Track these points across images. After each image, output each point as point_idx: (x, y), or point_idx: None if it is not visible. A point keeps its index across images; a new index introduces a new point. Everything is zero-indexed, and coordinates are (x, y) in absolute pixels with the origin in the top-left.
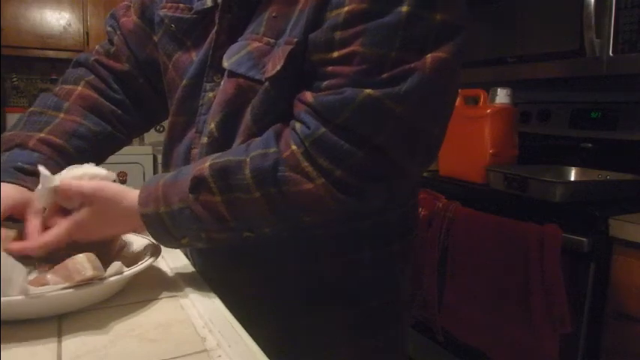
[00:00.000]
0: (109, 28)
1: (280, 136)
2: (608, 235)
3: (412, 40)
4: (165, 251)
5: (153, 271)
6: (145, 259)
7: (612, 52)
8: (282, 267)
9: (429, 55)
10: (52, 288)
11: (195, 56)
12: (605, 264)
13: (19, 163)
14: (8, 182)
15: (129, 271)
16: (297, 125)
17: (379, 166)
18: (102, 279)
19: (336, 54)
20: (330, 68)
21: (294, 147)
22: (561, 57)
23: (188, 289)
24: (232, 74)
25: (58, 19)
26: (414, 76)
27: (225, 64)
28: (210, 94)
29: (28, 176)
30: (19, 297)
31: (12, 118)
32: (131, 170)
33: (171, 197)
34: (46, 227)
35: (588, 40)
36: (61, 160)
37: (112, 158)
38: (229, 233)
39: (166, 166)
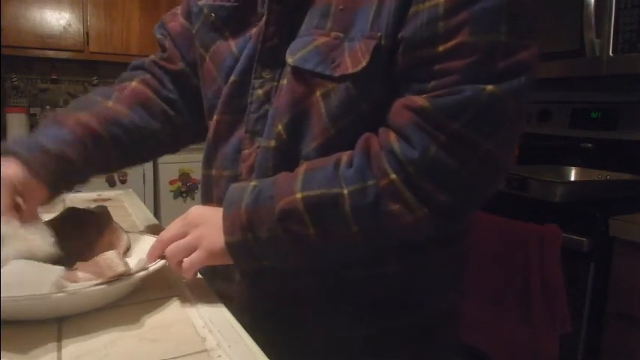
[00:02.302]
0: (159, 36)
1: (370, 157)
2: (608, 235)
3: (515, 23)
4: None
5: (153, 272)
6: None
7: (612, 52)
8: (342, 277)
9: (531, 43)
10: (85, 284)
11: (235, 47)
12: (605, 264)
13: (43, 143)
14: (24, 156)
15: (153, 266)
16: (396, 146)
17: (486, 178)
18: (130, 274)
19: (441, 48)
20: (437, 66)
21: (393, 176)
22: (561, 57)
23: (188, 289)
24: (298, 71)
25: (58, 19)
26: (526, 67)
27: (290, 60)
28: (260, 92)
29: (50, 157)
30: (57, 294)
31: (12, 118)
32: (131, 170)
33: (258, 225)
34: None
35: (588, 40)
36: (92, 144)
37: None
38: (316, 259)
39: (209, 168)
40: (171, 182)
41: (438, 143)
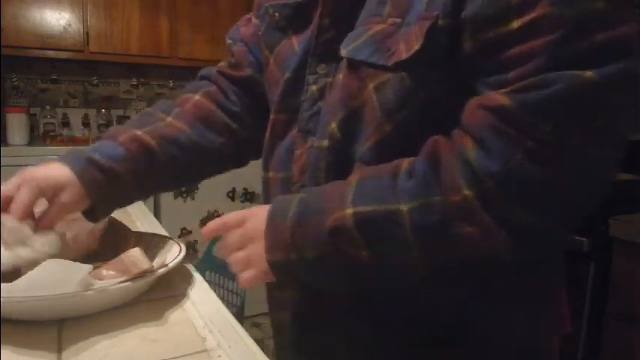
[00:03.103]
0: (229, 41)
1: (439, 167)
2: (608, 235)
3: None
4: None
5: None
6: (173, 255)
7: None
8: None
9: (631, 17)
10: (111, 282)
11: (297, 45)
12: (605, 264)
13: (94, 156)
14: (68, 163)
15: (171, 263)
16: (472, 154)
17: (585, 195)
18: (153, 271)
19: (516, 24)
20: (513, 49)
21: (466, 192)
22: None
23: (188, 290)
24: (352, 63)
25: (58, 19)
26: (630, 45)
27: (344, 52)
28: (314, 88)
29: (97, 170)
30: (85, 292)
31: (12, 118)
32: None
33: (303, 244)
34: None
35: None
36: (145, 161)
37: None
38: (370, 284)
39: (266, 170)
40: None
41: (524, 151)
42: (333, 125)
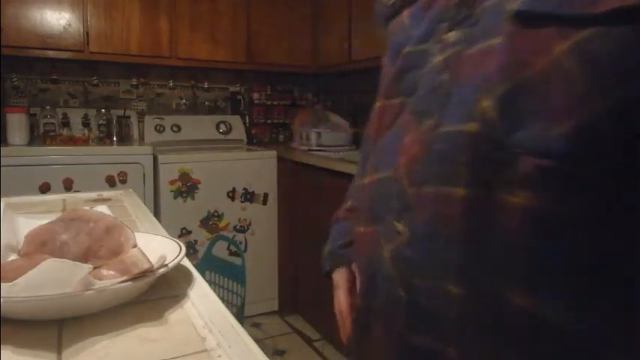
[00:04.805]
0: None
1: None
2: None
3: None
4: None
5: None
6: (173, 255)
7: None
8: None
9: None
10: (112, 281)
11: (407, 18)
12: None
13: (335, 247)
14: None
15: (171, 263)
16: None
17: None
18: (153, 271)
19: None
20: None
21: None
22: None
23: (188, 290)
24: (527, 19)
25: (58, 19)
26: None
27: (513, 5)
28: (439, 58)
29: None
30: (87, 292)
31: (12, 118)
32: (131, 170)
33: None
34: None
35: None
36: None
37: (112, 158)
38: None
39: (364, 167)
40: (172, 182)
41: None
42: (486, 103)
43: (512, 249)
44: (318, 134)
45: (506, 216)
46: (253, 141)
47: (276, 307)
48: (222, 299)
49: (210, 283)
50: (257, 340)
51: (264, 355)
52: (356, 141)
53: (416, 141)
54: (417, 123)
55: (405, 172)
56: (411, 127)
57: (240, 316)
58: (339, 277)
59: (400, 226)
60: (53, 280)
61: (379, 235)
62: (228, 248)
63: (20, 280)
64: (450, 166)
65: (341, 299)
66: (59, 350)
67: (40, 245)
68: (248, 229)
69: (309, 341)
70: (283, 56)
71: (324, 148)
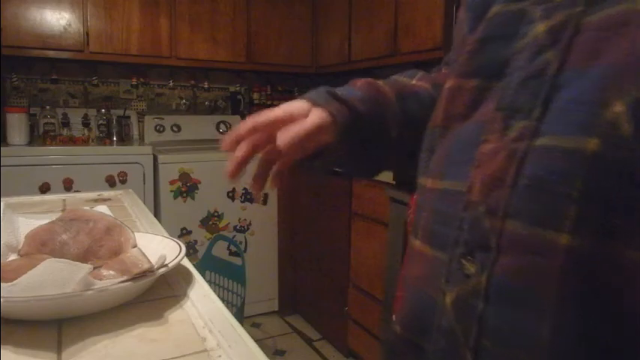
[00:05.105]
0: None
1: None
2: None
3: None
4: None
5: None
6: (173, 255)
7: None
8: None
9: None
10: (112, 281)
11: None
12: None
13: (335, 90)
14: (308, 99)
15: (171, 263)
16: None
17: None
18: (153, 271)
19: None
20: None
21: None
22: None
23: (188, 290)
24: None
25: (58, 19)
26: None
27: None
28: (541, 27)
29: (335, 100)
30: (86, 292)
31: (12, 118)
32: (131, 170)
33: None
34: None
35: None
36: (379, 106)
37: (112, 158)
38: None
39: (425, 167)
40: (172, 182)
41: None
42: (617, 109)
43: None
44: None
45: (637, 283)
46: None
47: (276, 307)
48: (222, 299)
49: (210, 283)
50: (257, 340)
51: (264, 355)
52: None
53: (499, 151)
54: (504, 125)
55: (482, 195)
56: (494, 128)
57: (240, 316)
58: (316, 114)
59: (471, 268)
60: (53, 280)
61: (440, 265)
62: (228, 248)
63: (20, 280)
64: (549, 198)
65: (306, 124)
66: (59, 350)
67: (40, 245)
68: (248, 229)
69: (309, 341)
70: (283, 56)
71: None
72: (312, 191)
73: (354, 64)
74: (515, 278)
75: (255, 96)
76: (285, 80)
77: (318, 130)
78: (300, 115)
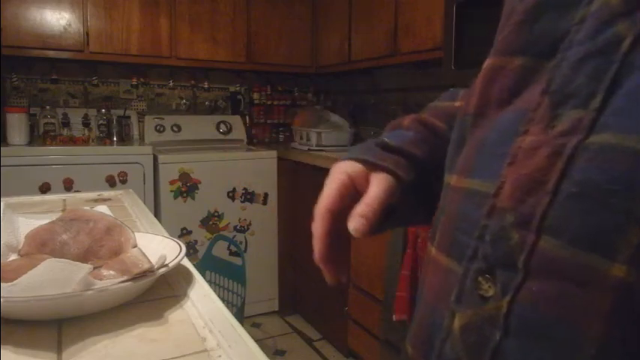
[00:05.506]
0: None
1: None
2: None
3: None
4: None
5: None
6: (174, 255)
7: None
8: None
9: None
10: (113, 281)
11: None
12: None
13: (385, 139)
14: (359, 159)
15: (171, 263)
16: None
17: None
18: (153, 271)
19: None
20: None
21: None
22: None
23: (188, 290)
24: None
25: (58, 19)
26: None
27: None
28: None
29: (387, 153)
30: (86, 292)
31: (12, 118)
32: (131, 170)
33: None
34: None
35: None
36: (436, 141)
37: (112, 158)
38: None
39: (452, 162)
40: (172, 182)
41: None
42: None
43: None
44: (318, 134)
45: None
46: (253, 141)
47: (276, 307)
48: (222, 299)
49: (210, 283)
50: (257, 340)
51: (264, 355)
52: (356, 141)
53: (541, 147)
54: (551, 113)
55: (513, 200)
56: (538, 117)
57: (240, 316)
58: (380, 179)
59: (489, 290)
60: (53, 280)
61: (453, 280)
62: (228, 248)
63: (20, 280)
64: (603, 214)
65: (373, 200)
66: (59, 350)
67: (40, 245)
68: (248, 229)
69: (309, 341)
70: (283, 56)
71: (324, 148)
72: (312, 191)
73: (354, 64)
74: (545, 309)
75: (255, 96)
76: (285, 80)
77: (385, 200)
78: (359, 178)
